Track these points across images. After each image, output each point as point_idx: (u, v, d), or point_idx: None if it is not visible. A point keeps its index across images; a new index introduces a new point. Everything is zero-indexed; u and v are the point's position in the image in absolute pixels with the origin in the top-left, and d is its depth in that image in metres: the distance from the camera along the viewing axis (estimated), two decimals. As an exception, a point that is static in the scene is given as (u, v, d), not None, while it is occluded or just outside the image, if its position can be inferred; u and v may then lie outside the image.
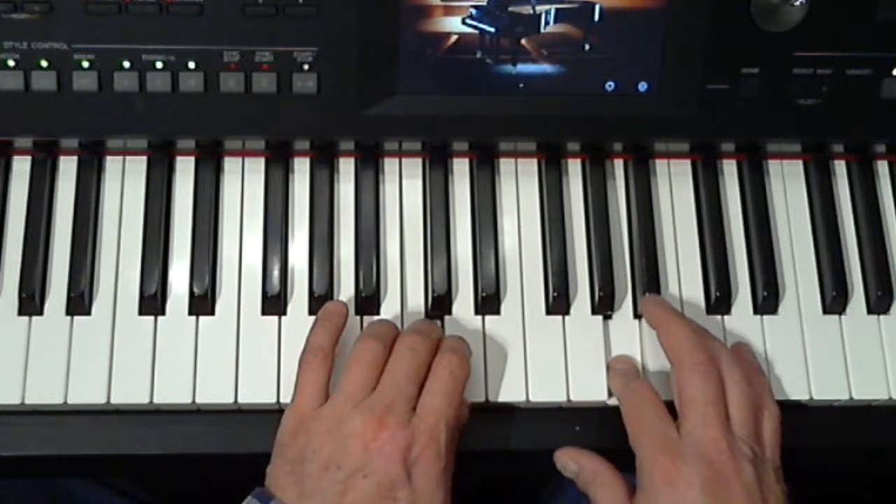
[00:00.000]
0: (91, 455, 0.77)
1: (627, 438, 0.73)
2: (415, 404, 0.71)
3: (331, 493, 0.67)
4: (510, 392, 0.77)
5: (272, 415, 0.73)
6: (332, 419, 0.70)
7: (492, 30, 0.77)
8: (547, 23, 0.77)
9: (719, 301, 0.81)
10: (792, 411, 0.76)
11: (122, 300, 0.78)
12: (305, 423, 0.70)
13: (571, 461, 0.75)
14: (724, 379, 0.72)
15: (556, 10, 0.77)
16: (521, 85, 0.79)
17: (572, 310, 0.80)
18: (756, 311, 0.81)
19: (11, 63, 0.75)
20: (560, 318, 0.80)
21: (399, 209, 0.82)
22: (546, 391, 0.78)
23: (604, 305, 0.80)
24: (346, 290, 0.79)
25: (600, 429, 0.78)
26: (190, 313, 0.78)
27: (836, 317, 0.82)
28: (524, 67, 0.78)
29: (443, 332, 0.78)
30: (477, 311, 0.80)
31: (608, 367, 0.78)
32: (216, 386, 0.76)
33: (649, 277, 0.80)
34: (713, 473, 0.68)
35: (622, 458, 0.72)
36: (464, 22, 0.77)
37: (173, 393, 0.76)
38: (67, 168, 0.81)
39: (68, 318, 0.77)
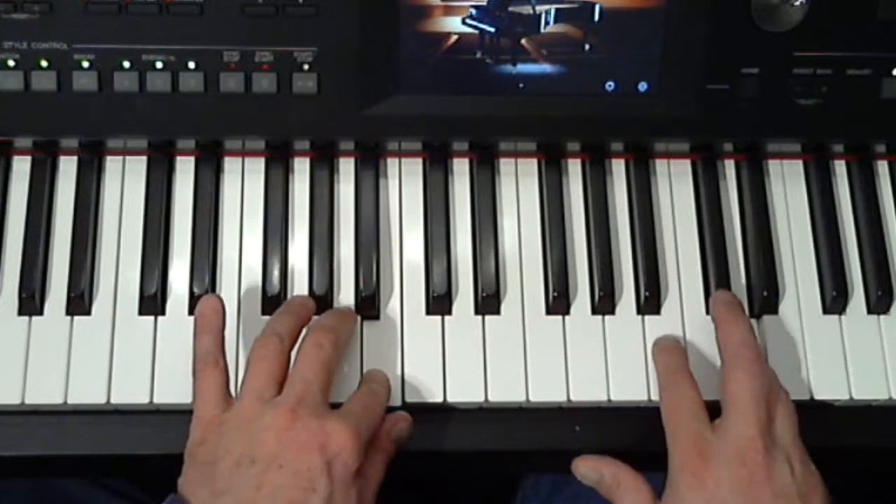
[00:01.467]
0: (91, 455, 0.77)
1: (627, 438, 0.73)
2: (327, 398, 0.70)
3: (245, 488, 0.65)
4: (510, 392, 0.77)
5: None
6: (240, 419, 0.68)
7: (492, 30, 0.77)
8: (547, 23, 0.77)
9: (719, 301, 0.81)
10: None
11: (122, 300, 0.78)
12: (213, 429, 0.69)
13: (591, 470, 0.73)
14: (772, 386, 0.72)
15: (556, 10, 0.77)
16: (521, 85, 0.79)
17: (572, 310, 0.80)
18: (756, 310, 0.81)
19: (11, 63, 0.75)
20: (560, 318, 0.80)
21: (399, 209, 0.82)
22: (546, 391, 0.78)
23: (604, 305, 0.80)
24: (346, 290, 0.79)
25: (600, 429, 0.78)
26: (190, 313, 0.77)
27: (836, 317, 0.82)
28: (524, 67, 0.78)
29: (355, 322, 0.77)
30: (477, 311, 0.80)
31: (654, 343, 0.78)
32: (216, 386, 0.76)
33: (649, 277, 0.80)
34: (745, 473, 0.67)
35: (623, 459, 0.72)
36: (464, 22, 0.77)
37: (173, 393, 0.75)
38: (67, 168, 0.81)
39: (68, 318, 0.77)
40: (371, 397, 0.73)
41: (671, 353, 0.77)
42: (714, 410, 0.72)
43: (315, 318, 0.76)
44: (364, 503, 0.69)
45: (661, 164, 0.85)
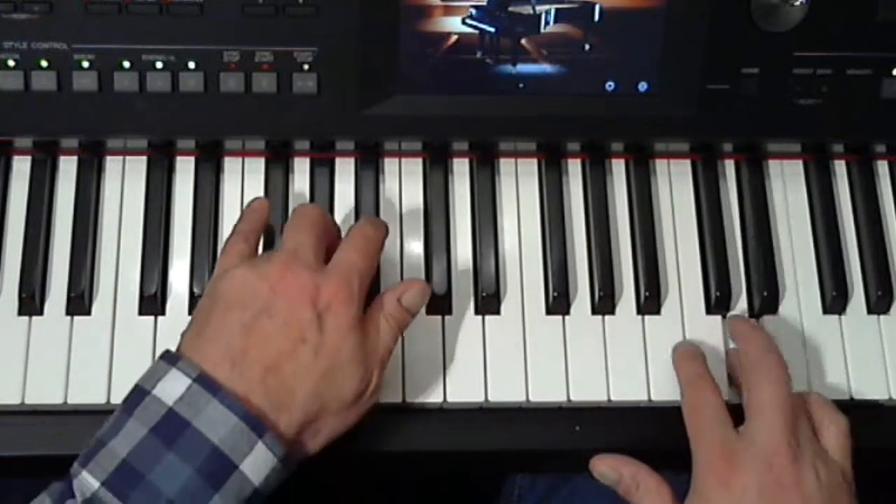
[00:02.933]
0: (91, 455, 0.77)
1: (627, 438, 0.73)
2: (321, 257, 0.70)
3: (235, 334, 0.66)
4: (510, 392, 0.77)
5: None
6: (241, 270, 0.69)
7: (492, 30, 0.77)
8: (547, 23, 0.77)
9: (719, 301, 0.81)
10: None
11: (122, 300, 0.78)
12: (217, 279, 0.70)
13: (610, 469, 0.72)
14: (800, 396, 0.72)
15: (556, 10, 0.77)
16: (521, 85, 0.79)
17: (572, 310, 0.80)
18: (756, 311, 0.81)
19: (11, 63, 0.75)
20: (560, 318, 0.80)
21: (399, 209, 0.82)
22: (546, 391, 0.78)
23: (604, 305, 0.80)
24: (346, 290, 0.79)
25: (600, 429, 0.78)
26: (190, 313, 0.77)
27: (836, 317, 0.82)
28: (524, 67, 0.78)
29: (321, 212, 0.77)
30: (477, 311, 0.80)
31: (674, 350, 0.78)
32: (216, 386, 0.76)
33: (649, 277, 0.80)
34: (773, 478, 0.67)
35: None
36: (464, 22, 0.77)
37: (173, 393, 0.75)
38: (67, 168, 0.81)
39: (68, 318, 0.77)
40: (364, 241, 0.72)
41: (691, 358, 0.76)
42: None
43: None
44: (365, 363, 0.68)
45: (661, 164, 0.85)
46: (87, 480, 0.62)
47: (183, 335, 0.69)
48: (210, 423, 0.62)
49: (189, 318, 0.75)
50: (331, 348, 0.67)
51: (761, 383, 0.71)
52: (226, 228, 0.80)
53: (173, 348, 0.73)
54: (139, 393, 0.64)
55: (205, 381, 0.64)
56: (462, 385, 0.77)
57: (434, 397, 0.77)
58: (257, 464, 0.63)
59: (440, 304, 0.79)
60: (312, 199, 0.82)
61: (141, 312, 0.78)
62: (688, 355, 0.77)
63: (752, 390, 0.71)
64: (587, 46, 0.78)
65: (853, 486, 0.71)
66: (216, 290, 0.69)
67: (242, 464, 0.63)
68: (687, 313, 0.80)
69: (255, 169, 0.82)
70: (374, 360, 0.70)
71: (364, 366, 0.68)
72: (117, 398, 0.75)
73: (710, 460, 0.69)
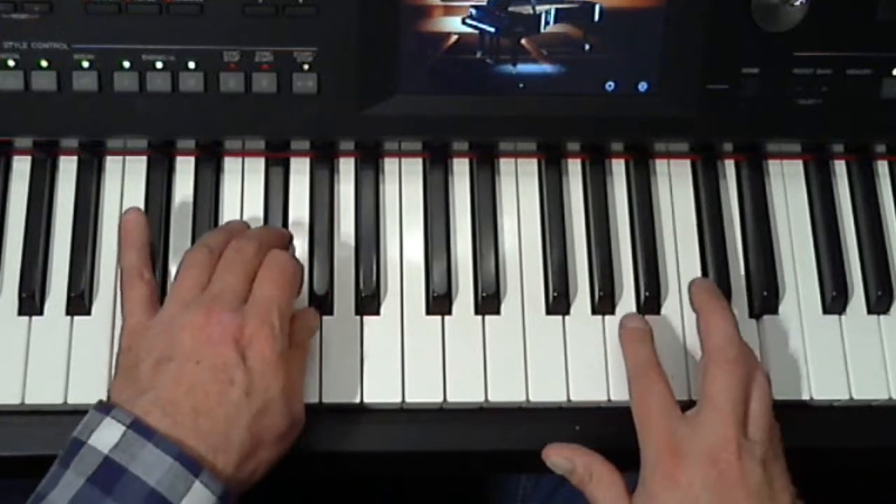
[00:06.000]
0: (91, 455, 0.76)
1: (628, 439, 0.73)
2: (245, 297, 0.70)
3: (165, 386, 0.66)
4: (510, 392, 0.77)
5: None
6: (162, 323, 0.69)
7: (492, 30, 0.77)
8: (547, 23, 0.77)
9: (719, 301, 0.81)
10: (792, 411, 0.76)
11: (121, 300, 0.78)
12: (138, 334, 0.70)
13: (563, 459, 0.73)
14: (750, 382, 0.72)
15: (556, 10, 0.77)
16: (521, 85, 0.79)
17: (572, 310, 0.80)
18: (756, 310, 0.81)
19: (11, 63, 0.75)
20: (560, 318, 0.80)
21: (399, 209, 0.82)
22: (546, 391, 0.78)
23: (604, 305, 0.80)
24: (346, 289, 0.79)
25: (600, 429, 0.78)
26: (190, 313, 0.78)
27: (836, 317, 0.82)
28: (524, 67, 0.78)
29: (284, 236, 0.77)
30: (477, 311, 0.80)
31: (620, 325, 0.77)
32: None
33: (649, 277, 0.80)
34: (718, 473, 0.68)
35: (623, 458, 0.72)
36: (464, 22, 0.77)
37: (173, 393, 0.75)
38: (67, 168, 0.81)
39: (68, 318, 0.77)
40: (282, 275, 0.72)
41: (640, 344, 0.76)
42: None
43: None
44: (292, 396, 0.69)
45: (661, 164, 0.85)
46: None
47: (111, 389, 0.70)
48: (146, 466, 0.63)
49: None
50: (260, 387, 0.67)
51: (716, 373, 0.71)
52: (226, 228, 0.80)
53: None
54: (75, 444, 0.65)
55: (139, 427, 0.64)
56: (462, 385, 0.77)
57: (434, 397, 0.77)
58: (195, 503, 0.63)
59: (440, 304, 0.79)
60: (312, 199, 0.82)
61: (141, 312, 0.78)
62: (637, 337, 0.76)
63: (707, 378, 0.71)
64: (587, 46, 0.78)
65: (793, 489, 0.70)
66: (140, 346, 0.69)
67: None
68: (687, 313, 0.80)
69: (255, 169, 0.82)
70: (298, 391, 0.71)
71: (294, 396, 0.70)
72: (117, 398, 0.75)
73: (656, 454, 0.69)
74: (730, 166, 0.86)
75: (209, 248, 0.73)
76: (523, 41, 0.78)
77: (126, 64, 0.76)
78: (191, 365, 0.67)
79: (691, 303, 0.79)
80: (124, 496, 0.62)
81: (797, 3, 0.76)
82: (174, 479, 0.63)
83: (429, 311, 0.79)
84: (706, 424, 0.70)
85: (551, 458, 0.73)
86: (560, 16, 0.77)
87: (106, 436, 0.64)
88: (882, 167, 0.86)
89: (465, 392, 0.77)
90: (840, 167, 0.86)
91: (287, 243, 0.78)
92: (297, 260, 0.75)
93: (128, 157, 0.82)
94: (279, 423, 0.68)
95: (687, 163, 0.85)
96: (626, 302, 0.81)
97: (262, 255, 0.73)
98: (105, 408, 0.66)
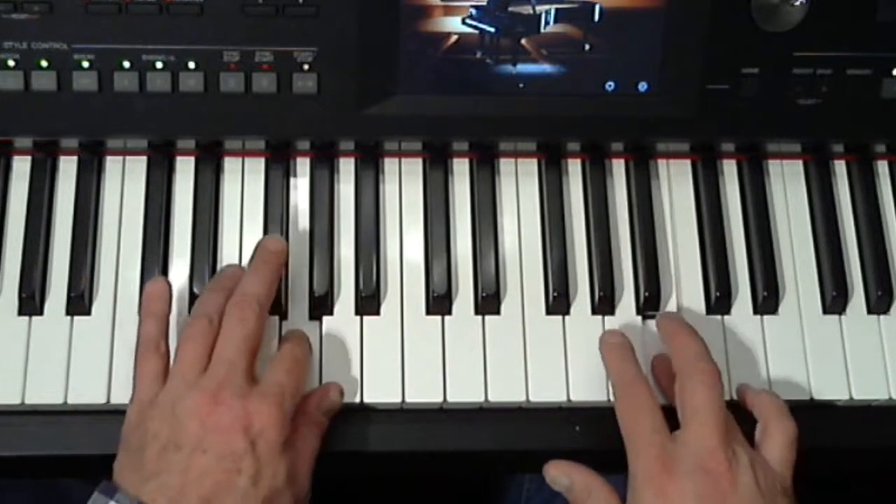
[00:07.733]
0: (91, 455, 0.76)
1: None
2: (251, 374, 0.70)
3: (173, 473, 0.66)
4: (510, 392, 0.77)
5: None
6: (167, 403, 0.69)
7: (492, 30, 0.77)
8: (547, 23, 0.77)
9: (719, 301, 0.81)
10: (792, 411, 0.76)
11: (122, 300, 0.78)
12: (144, 412, 0.70)
13: (562, 475, 0.73)
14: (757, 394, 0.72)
15: (556, 10, 0.77)
16: (521, 85, 0.79)
17: (572, 310, 0.80)
18: (756, 311, 0.81)
19: (11, 63, 0.75)
20: (560, 318, 0.80)
21: (399, 209, 0.82)
22: (546, 391, 0.78)
23: (604, 305, 0.80)
24: (346, 290, 0.79)
25: (600, 429, 0.77)
26: (189, 313, 0.77)
27: (836, 317, 0.82)
28: (524, 67, 0.78)
29: (278, 272, 0.76)
30: (477, 311, 0.80)
31: (600, 341, 0.77)
32: (216, 386, 0.76)
33: (649, 277, 0.80)
34: (710, 483, 0.67)
35: (623, 459, 0.72)
36: (464, 22, 0.77)
37: (173, 393, 0.75)
38: (67, 168, 0.81)
39: (68, 318, 0.77)
40: (293, 362, 0.73)
41: (623, 358, 0.75)
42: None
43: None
44: (298, 478, 0.70)
45: (661, 164, 0.85)
46: None
47: (115, 467, 0.69)
48: None
49: (188, 316, 0.76)
50: (267, 475, 0.67)
51: (696, 388, 0.71)
52: (226, 228, 0.80)
53: (173, 349, 0.73)
54: None
55: None
56: (462, 385, 0.77)
57: (434, 397, 0.77)
58: None
59: (440, 304, 0.79)
60: (312, 199, 0.82)
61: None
62: (619, 354, 0.76)
63: (685, 394, 0.71)
64: (587, 46, 0.78)
65: (793, 499, 0.70)
66: (147, 428, 0.68)
67: None
68: (687, 314, 0.80)
69: (255, 169, 0.82)
70: (306, 471, 0.71)
71: (301, 480, 0.70)
72: (117, 398, 0.75)
73: (647, 469, 0.69)
74: (730, 166, 0.86)
75: (209, 318, 0.72)
76: (523, 41, 0.78)
77: (126, 64, 0.76)
78: (198, 454, 0.66)
79: (659, 331, 0.78)
80: None
81: (797, 3, 0.76)
82: None
83: (429, 311, 0.79)
84: (694, 437, 0.69)
85: (550, 473, 0.74)
86: (560, 16, 0.77)
87: None
88: (882, 167, 0.86)
89: (465, 392, 0.77)
90: (840, 167, 0.86)
91: (278, 280, 0.76)
92: (306, 339, 0.75)
93: (128, 157, 0.82)
94: None
95: (687, 163, 0.85)
96: (626, 302, 0.81)
97: (265, 316, 0.73)
98: (109, 490, 0.66)
